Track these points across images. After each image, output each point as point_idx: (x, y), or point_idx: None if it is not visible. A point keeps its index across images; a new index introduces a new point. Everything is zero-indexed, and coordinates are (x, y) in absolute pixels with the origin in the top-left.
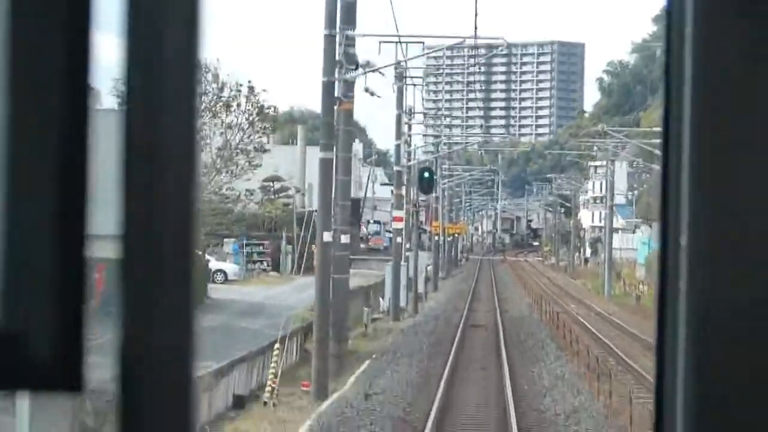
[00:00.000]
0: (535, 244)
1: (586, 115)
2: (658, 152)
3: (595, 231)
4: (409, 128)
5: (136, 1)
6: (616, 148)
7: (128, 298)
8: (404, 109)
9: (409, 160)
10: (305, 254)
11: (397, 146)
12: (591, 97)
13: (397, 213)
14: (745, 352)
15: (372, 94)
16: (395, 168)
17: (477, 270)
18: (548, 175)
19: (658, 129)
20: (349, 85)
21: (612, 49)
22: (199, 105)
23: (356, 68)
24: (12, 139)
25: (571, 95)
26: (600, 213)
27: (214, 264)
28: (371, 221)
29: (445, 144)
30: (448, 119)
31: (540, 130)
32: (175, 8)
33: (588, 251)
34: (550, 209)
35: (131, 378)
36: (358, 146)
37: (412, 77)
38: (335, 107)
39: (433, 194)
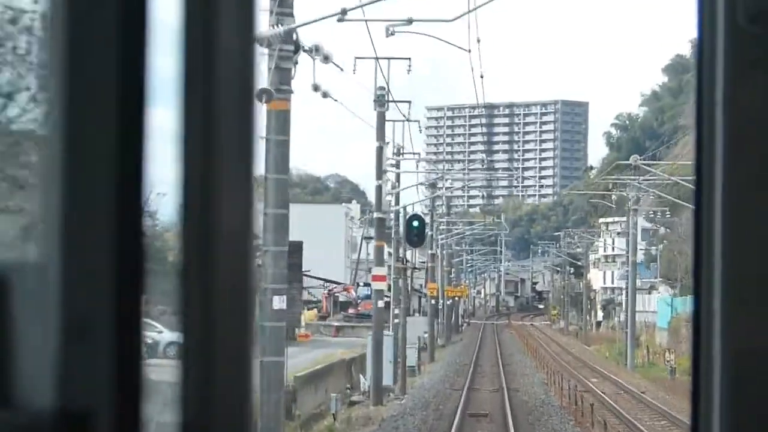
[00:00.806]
0: (541, 307)
1: (594, 170)
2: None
3: (607, 292)
4: (397, 166)
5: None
6: (639, 192)
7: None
8: (388, 140)
9: (397, 203)
10: None
11: (378, 187)
12: (598, 152)
13: (377, 271)
14: None
15: (325, 95)
16: (374, 214)
17: (480, 336)
18: (556, 233)
19: (688, 162)
20: (284, 74)
21: (618, 104)
22: (256, 136)
23: (296, 51)
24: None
25: (575, 155)
26: (612, 273)
27: (167, 335)
28: (361, 284)
29: (444, 190)
30: (448, 165)
31: (543, 191)
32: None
33: (600, 314)
34: (558, 269)
35: (191, 418)
36: (354, 206)
37: (395, 101)
38: (263, 105)
39: (429, 250)
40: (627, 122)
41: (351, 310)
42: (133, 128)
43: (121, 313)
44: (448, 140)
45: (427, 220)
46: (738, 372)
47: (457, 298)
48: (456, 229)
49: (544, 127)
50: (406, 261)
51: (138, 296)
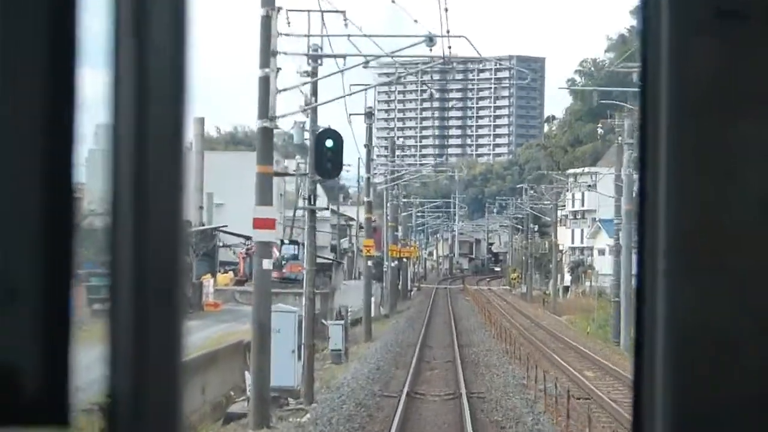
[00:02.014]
0: (497, 269)
1: (556, 121)
2: None
3: (576, 253)
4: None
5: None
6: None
7: (116, 333)
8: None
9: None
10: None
11: (263, 80)
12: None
13: (260, 212)
14: (724, 368)
15: None
16: (258, 122)
17: (430, 303)
18: (519, 185)
19: None
20: None
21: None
22: (185, 132)
23: None
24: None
25: (531, 113)
26: (582, 231)
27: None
28: (286, 241)
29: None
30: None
31: (498, 150)
32: (159, 23)
33: (567, 278)
34: (520, 227)
35: (120, 410)
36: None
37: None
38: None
39: (366, 197)
40: (592, 69)
41: (274, 273)
42: (61, 97)
43: (51, 277)
44: (400, 97)
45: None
46: (683, 336)
47: (405, 260)
48: (400, 173)
49: (499, 83)
50: (314, 200)
51: (68, 262)
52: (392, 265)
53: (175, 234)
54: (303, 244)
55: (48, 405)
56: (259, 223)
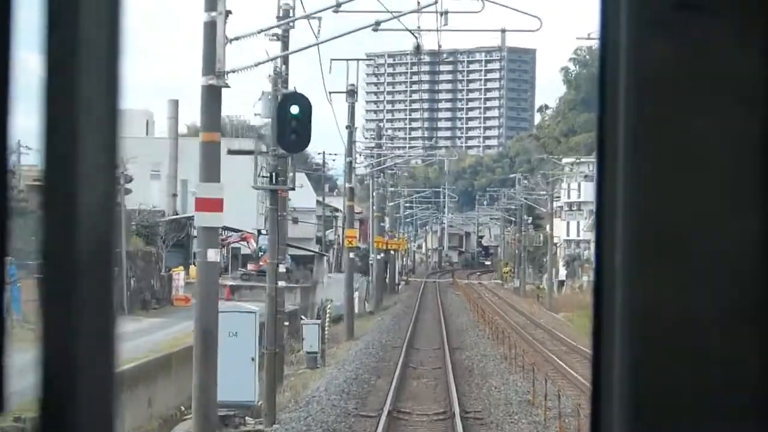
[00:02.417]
0: (488, 263)
1: (549, 111)
2: None
3: (572, 246)
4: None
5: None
6: None
7: (48, 311)
8: None
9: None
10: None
11: (208, 27)
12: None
13: (204, 190)
14: (681, 357)
15: None
16: (202, 80)
17: (419, 298)
18: (512, 175)
19: None
20: None
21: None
22: (120, 116)
23: None
24: None
25: (522, 105)
26: (578, 223)
27: None
28: (264, 231)
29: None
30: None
31: (488, 142)
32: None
33: (562, 272)
34: (513, 219)
35: (53, 393)
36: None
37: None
38: None
39: (347, 184)
40: (587, 56)
41: (250, 266)
42: None
43: None
44: (389, 88)
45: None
46: (640, 330)
47: (392, 252)
48: (385, 157)
49: (489, 76)
50: (277, 179)
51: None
52: (378, 257)
53: (108, 228)
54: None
55: None
56: (203, 204)
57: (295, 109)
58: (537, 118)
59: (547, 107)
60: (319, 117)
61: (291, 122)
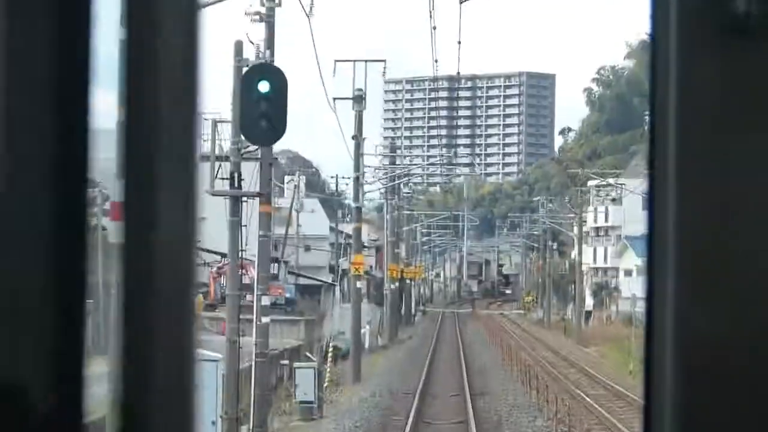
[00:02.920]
0: (508, 292)
1: (572, 134)
2: None
3: (599, 274)
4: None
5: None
6: None
7: (127, 335)
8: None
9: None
10: None
11: None
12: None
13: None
14: (733, 386)
15: None
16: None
17: (436, 332)
18: (536, 198)
19: None
20: None
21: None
22: (198, 115)
23: None
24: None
25: (541, 131)
26: (605, 250)
27: None
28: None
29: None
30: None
31: (507, 169)
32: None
33: (589, 301)
34: (536, 245)
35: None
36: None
37: None
38: None
39: (354, 203)
40: (611, 77)
41: (249, 297)
42: (75, 100)
43: (64, 291)
44: (407, 114)
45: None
46: (690, 361)
47: (409, 281)
48: (400, 173)
49: (508, 101)
50: (239, 182)
51: (81, 275)
52: (392, 287)
53: (187, 241)
54: (286, 262)
55: (59, 424)
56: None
57: (264, 87)
58: (559, 141)
59: (569, 129)
60: (327, 129)
61: (260, 104)
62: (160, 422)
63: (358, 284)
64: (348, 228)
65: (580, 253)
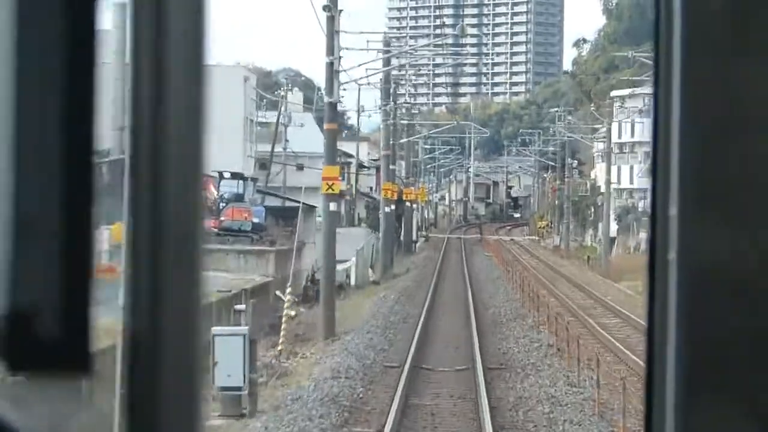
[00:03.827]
0: (517, 216)
1: (587, 45)
2: None
3: (624, 196)
4: None
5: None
6: None
7: (136, 287)
8: None
9: None
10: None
11: None
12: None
13: None
14: (736, 321)
15: None
16: None
17: (439, 261)
18: (553, 110)
19: None
20: None
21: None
22: (206, 97)
23: None
24: (19, 126)
25: (550, 50)
26: (631, 168)
27: None
28: (226, 174)
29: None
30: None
31: (515, 89)
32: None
33: (613, 227)
34: (552, 164)
35: (140, 366)
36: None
37: None
38: None
39: (326, 97)
40: None
41: (210, 223)
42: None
43: (71, 214)
44: (412, 23)
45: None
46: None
47: (410, 204)
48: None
49: (516, 19)
50: None
51: (89, 197)
52: (387, 210)
53: (194, 192)
54: (250, 179)
55: (67, 351)
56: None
57: None
58: (573, 53)
59: (584, 41)
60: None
61: None
62: (169, 352)
63: (332, 206)
64: (346, 147)
65: (608, 168)
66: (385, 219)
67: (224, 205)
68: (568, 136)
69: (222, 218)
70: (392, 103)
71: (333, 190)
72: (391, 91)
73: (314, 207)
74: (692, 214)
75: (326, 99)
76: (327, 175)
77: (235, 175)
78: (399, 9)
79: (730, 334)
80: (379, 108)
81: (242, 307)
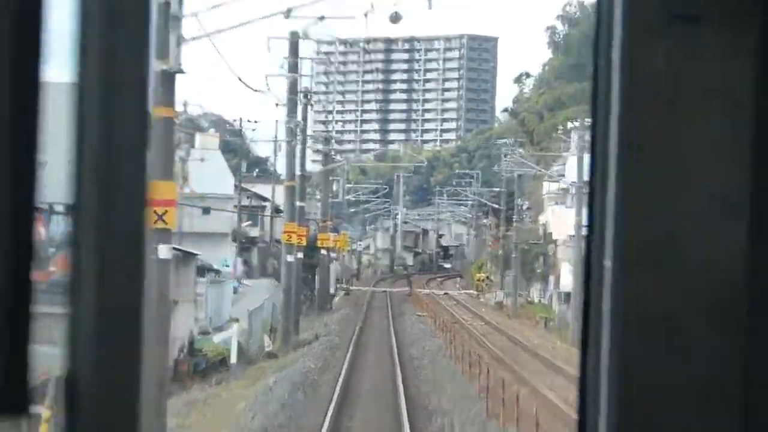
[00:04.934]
0: (447, 266)
1: (530, 80)
2: None
3: (580, 244)
4: None
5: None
6: None
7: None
8: None
9: None
10: None
11: None
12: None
13: None
14: (669, 369)
15: None
16: None
17: (359, 327)
18: (499, 141)
19: None
20: None
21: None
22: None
23: None
24: None
25: (482, 96)
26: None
27: None
28: (58, 207)
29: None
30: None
31: (446, 136)
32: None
33: (568, 280)
34: (497, 206)
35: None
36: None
37: None
38: None
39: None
40: (578, 14)
41: (38, 276)
42: (26, 91)
43: (13, 268)
44: (340, 78)
45: None
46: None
47: (328, 252)
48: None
49: (448, 65)
50: None
51: (29, 252)
52: (291, 259)
53: (139, 226)
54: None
55: (5, 396)
56: None
57: None
58: (514, 91)
59: (528, 75)
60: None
61: None
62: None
63: (162, 251)
64: (258, 189)
65: (579, 211)
66: (288, 271)
67: (54, 250)
68: (518, 174)
69: (51, 269)
70: (300, 120)
71: (165, 222)
72: (301, 102)
73: (196, 254)
74: (626, 266)
75: (159, 66)
76: (161, 196)
77: (71, 209)
78: (327, 53)
79: (663, 381)
80: (285, 124)
81: None
